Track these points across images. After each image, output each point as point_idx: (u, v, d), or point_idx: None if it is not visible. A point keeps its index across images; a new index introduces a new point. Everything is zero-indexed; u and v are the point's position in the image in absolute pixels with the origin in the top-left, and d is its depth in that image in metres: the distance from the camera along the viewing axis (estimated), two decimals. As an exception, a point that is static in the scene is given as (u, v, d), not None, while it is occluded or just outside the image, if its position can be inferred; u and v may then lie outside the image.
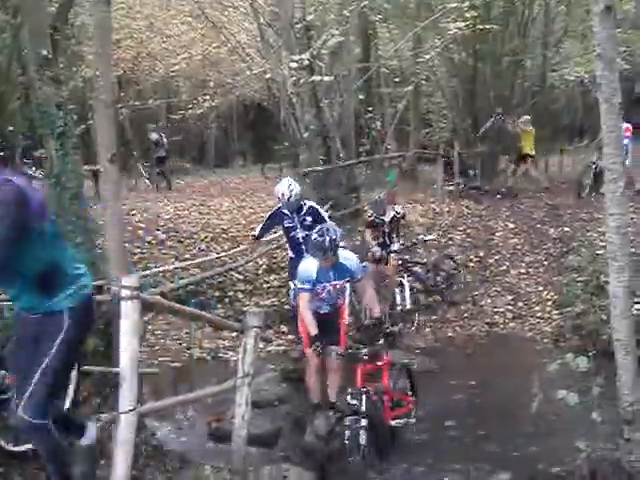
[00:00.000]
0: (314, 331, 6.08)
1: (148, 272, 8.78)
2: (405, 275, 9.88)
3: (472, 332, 10.16)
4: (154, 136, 20.07)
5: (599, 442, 5.30)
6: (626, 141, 13.79)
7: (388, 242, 9.70)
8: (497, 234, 13.21)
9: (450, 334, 10.13)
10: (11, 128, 12.08)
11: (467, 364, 9.02)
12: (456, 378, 8.42)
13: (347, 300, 6.95)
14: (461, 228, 13.60)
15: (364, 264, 7.33)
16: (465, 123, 17.71)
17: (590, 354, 4.70)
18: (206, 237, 12.62)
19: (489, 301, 10.97)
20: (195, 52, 19.50)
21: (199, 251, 12.00)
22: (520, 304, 10.76)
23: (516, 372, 8.27)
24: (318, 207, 8.29)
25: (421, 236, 10.59)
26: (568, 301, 9.91)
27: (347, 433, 5.66)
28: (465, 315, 10.61)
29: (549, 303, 10.56)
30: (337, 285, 6.44)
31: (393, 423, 6.32)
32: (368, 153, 15.37)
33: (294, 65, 11.08)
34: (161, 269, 9.60)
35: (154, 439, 5.43)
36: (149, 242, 13.05)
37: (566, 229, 12.63)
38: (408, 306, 9.61)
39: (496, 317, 10.49)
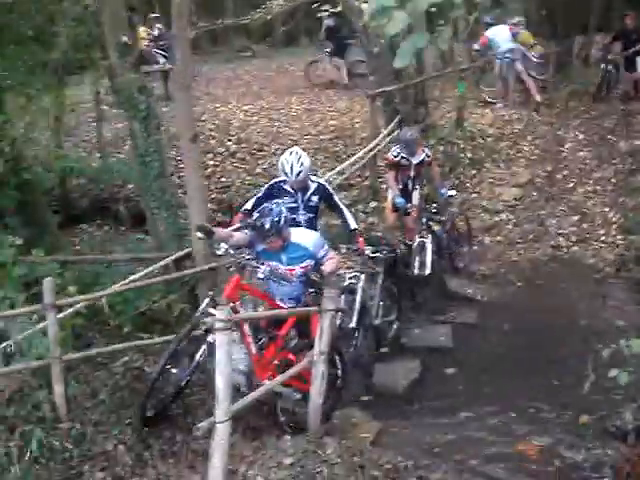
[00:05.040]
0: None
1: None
2: (428, 235, 8.88)
3: (536, 256, 10.19)
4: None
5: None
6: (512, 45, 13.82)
7: (411, 188, 8.86)
8: (566, 146, 12.97)
9: (514, 258, 10.22)
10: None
11: (529, 297, 9.13)
12: (514, 315, 8.57)
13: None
14: (529, 138, 13.39)
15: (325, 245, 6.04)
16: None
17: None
18: (277, 150, 12.86)
19: (554, 221, 10.91)
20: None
21: (270, 166, 12.28)
22: (585, 226, 10.69)
23: (575, 312, 8.45)
24: (326, 184, 7.06)
25: (444, 190, 9.17)
26: (633, 228, 9.97)
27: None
28: (530, 237, 10.63)
29: (614, 226, 10.49)
30: (292, 271, 5.94)
31: (263, 380, 5.67)
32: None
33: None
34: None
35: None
36: (221, 154, 13.50)
37: (637, 142, 12.34)
38: (427, 271, 8.70)
39: (560, 239, 10.48)
